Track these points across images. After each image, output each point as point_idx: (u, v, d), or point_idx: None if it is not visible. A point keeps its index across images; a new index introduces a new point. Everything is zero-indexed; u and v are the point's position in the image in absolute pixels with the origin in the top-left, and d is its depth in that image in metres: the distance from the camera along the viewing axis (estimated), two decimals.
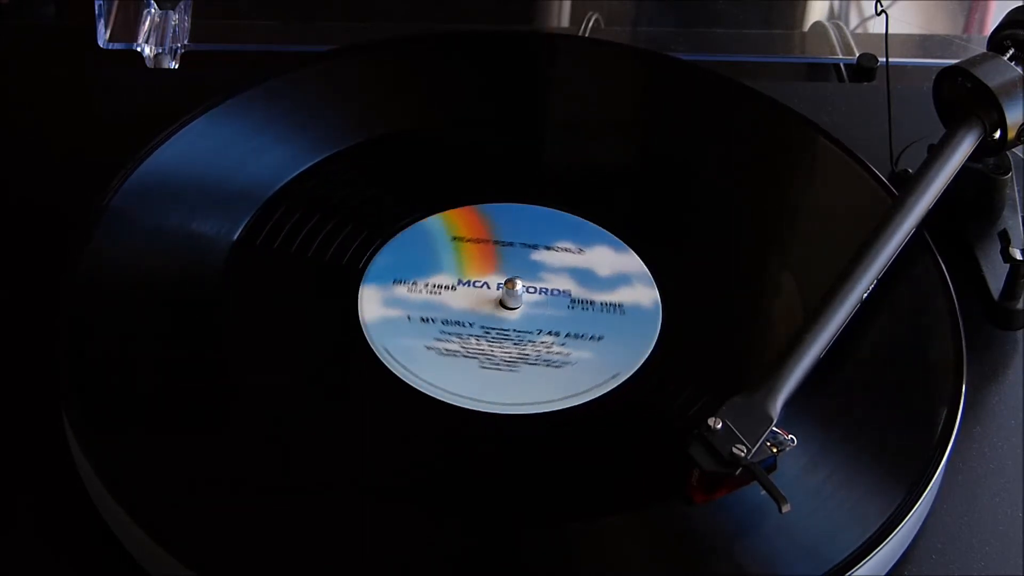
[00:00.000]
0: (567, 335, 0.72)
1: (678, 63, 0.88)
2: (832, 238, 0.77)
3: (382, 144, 0.81)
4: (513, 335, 0.72)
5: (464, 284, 0.74)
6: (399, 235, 0.76)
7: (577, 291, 0.74)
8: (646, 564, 0.65)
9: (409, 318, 0.73)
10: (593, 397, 0.70)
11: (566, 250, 0.76)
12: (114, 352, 0.70)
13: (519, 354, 0.71)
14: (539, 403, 0.69)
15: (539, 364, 0.71)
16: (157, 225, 0.75)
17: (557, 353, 0.71)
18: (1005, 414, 0.74)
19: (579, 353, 0.71)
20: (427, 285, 0.74)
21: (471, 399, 0.69)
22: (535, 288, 0.74)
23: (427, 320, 0.73)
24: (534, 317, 0.73)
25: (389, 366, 0.70)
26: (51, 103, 0.86)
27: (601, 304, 0.74)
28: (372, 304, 0.73)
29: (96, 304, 0.72)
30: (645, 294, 0.74)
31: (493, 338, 0.72)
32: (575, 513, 0.65)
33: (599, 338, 0.72)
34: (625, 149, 0.83)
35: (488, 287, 0.74)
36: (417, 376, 0.70)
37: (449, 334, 0.72)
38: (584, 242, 0.76)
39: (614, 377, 0.70)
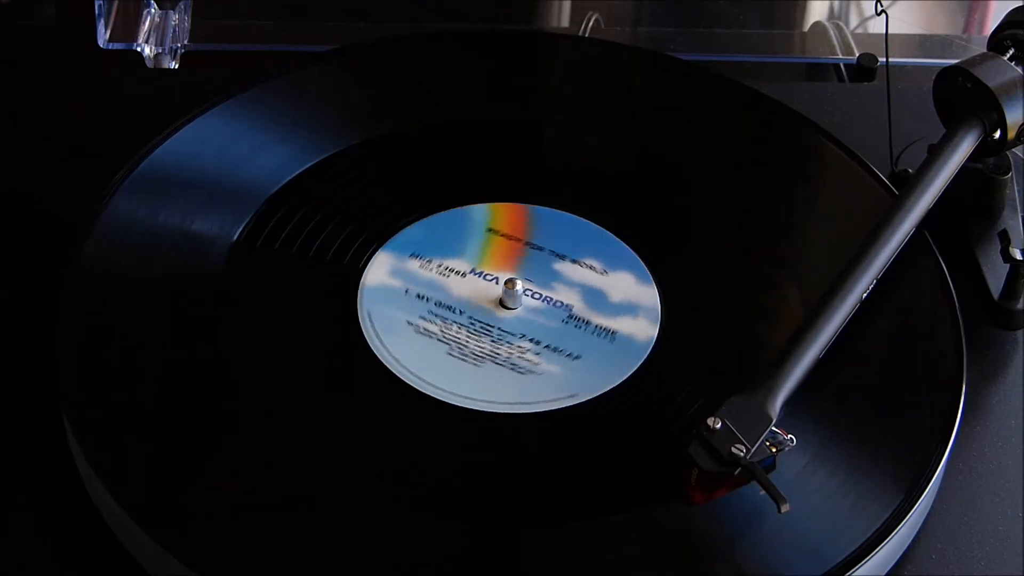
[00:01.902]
0: (546, 346, 0.72)
1: (678, 63, 0.88)
2: (832, 238, 0.77)
3: (382, 144, 0.81)
4: (495, 332, 0.72)
5: (475, 274, 0.74)
6: (440, 214, 0.77)
7: (579, 308, 0.74)
8: (646, 564, 0.65)
9: (407, 291, 0.73)
10: (544, 409, 0.69)
11: (590, 267, 0.76)
12: (114, 352, 0.70)
13: (491, 351, 0.71)
14: (483, 401, 0.69)
15: (504, 366, 0.71)
16: (157, 225, 0.75)
17: (528, 360, 0.71)
18: (1005, 414, 0.74)
19: (548, 366, 0.71)
20: (440, 265, 0.74)
21: (431, 385, 0.70)
22: (539, 295, 0.74)
23: (422, 297, 0.73)
24: (526, 321, 0.73)
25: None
26: (51, 103, 0.86)
27: (596, 327, 0.73)
28: (380, 269, 0.74)
29: (96, 304, 0.72)
30: (644, 327, 0.74)
31: (475, 331, 0.72)
32: (575, 513, 0.65)
33: (576, 357, 0.72)
34: (625, 149, 0.83)
35: (497, 283, 0.74)
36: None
37: (435, 316, 0.72)
38: (610, 263, 0.76)
39: (571, 396, 0.70)
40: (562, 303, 0.74)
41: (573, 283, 0.75)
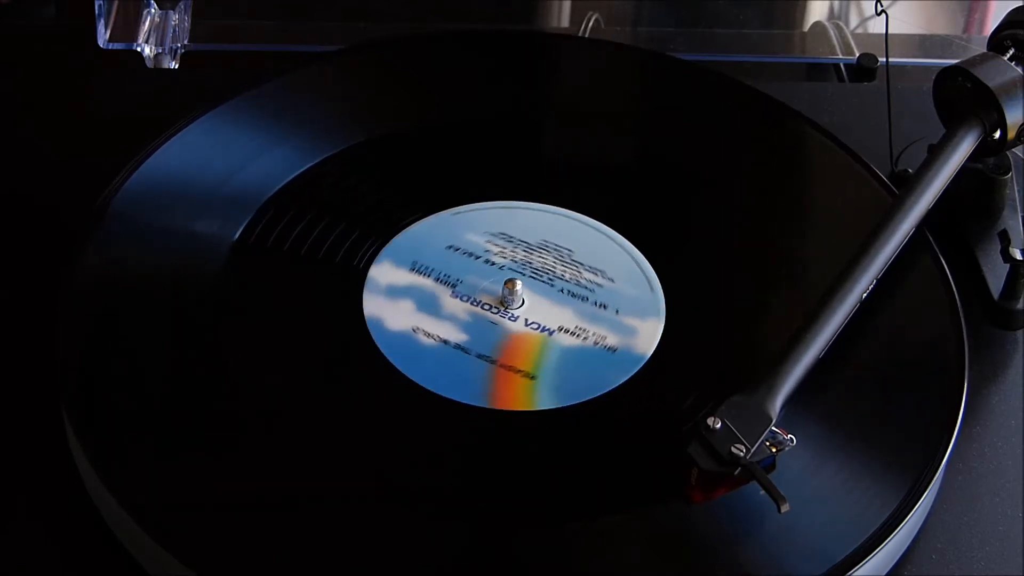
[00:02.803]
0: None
1: (678, 63, 0.88)
2: (832, 238, 0.77)
3: (382, 144, 0.81)
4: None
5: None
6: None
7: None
8: (646, 564, 0.65)
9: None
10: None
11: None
12: (114, 352, 0.70)
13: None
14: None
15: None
16: (157, 225, 0.75)
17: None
18: (1005, 414, 0.74)
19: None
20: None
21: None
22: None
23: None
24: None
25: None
26: (51, 103, 0.86)
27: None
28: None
29: (96, 304, 0.72)
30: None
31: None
32: (575, 513, 0.65)
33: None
34: (625, 149, 0.83)
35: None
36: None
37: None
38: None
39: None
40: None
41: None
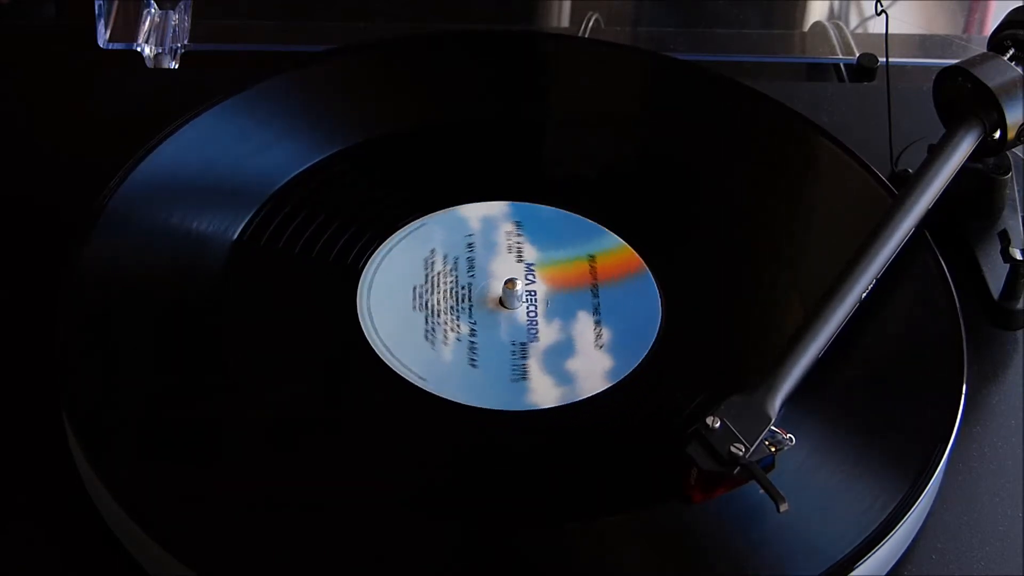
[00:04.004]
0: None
1: (678, 63, 0.88)
2: (832, 238, 0.77)
3: (382, 144, 0.81)
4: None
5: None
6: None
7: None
8: (645, 564, 0.65)
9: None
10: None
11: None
12: (114, 352, 0.70)
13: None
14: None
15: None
16: (157, 225, 0.75)
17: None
18: (1005, 414, 0.74)
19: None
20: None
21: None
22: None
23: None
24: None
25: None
26: (51, 103, 0.86)
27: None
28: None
29: (96, 304, 0.72)
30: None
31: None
32: (574, 513, 0.65)
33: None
34: (625, 149, 0.83)
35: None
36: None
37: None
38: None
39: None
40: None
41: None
